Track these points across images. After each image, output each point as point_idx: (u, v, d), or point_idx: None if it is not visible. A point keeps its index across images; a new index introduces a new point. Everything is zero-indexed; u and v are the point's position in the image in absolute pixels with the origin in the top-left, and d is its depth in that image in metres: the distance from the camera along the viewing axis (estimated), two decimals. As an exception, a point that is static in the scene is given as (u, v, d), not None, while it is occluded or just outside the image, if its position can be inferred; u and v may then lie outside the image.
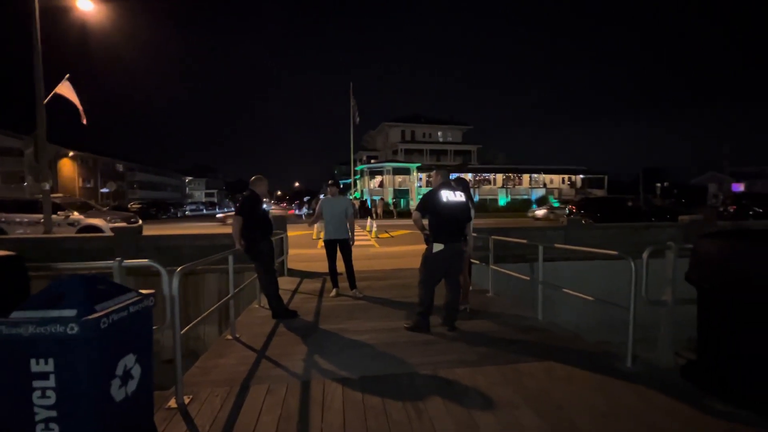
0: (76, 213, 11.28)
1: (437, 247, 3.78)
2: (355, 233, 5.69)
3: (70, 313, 1.73)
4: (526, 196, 40.98)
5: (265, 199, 4.58)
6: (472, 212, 4.33)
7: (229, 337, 3.78)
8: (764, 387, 2.28)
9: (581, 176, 44.63)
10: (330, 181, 5.84)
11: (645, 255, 2.94)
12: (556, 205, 38.41)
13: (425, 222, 3.90)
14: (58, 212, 10.87)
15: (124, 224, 11.10)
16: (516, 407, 2.44)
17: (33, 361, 1.71)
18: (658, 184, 36.22)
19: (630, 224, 9.80)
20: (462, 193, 3.96)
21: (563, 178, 44.65)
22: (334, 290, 5.53)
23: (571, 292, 3.86)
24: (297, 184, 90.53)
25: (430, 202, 3.83)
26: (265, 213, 4.51)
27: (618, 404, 2.45)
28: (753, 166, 40.15)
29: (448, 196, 3.82)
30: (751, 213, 16.10)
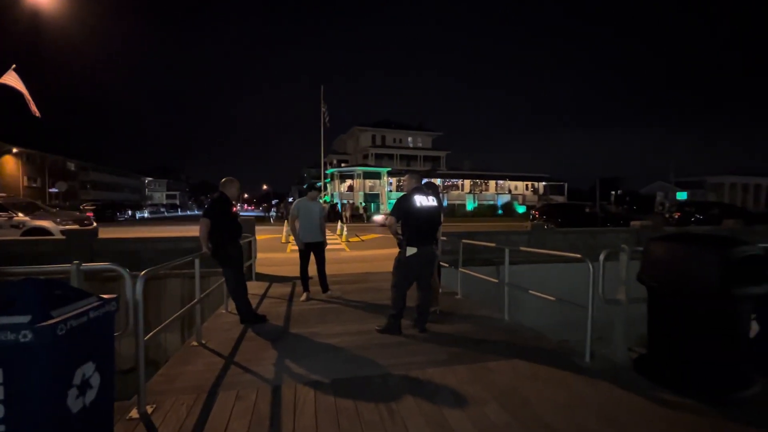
0: (20, 214, 10.42)
1: (410, 250, 3.84)
2: (326, 237, 5.68)
3: (23, 319, 1.62)
4: (492, 202, 42.33)
5: (233, 202, 4.48)
6: (441, 216, 4.43)
7: (195, 343, 3.64)
8: (704, 378, 2.50)
9: (543, 183, 46.75)
10: (317, 184, 5.88)
11: (601, 257, 3.14)
12: (522, 210, 39.72)
13: (398, 226, 3.95)
14: (0, 213, 10.02)
15: (76, 226, 10.39)
16: (485, 403, 2.52)
17: (-21, 372, 1.59)
18: (613, 192, 38.56)
19: (588, 229, 10.38)
20: (434, 198, 4.05)
21: (527, 185, 46.56)
22: (305, 294, 5.46)
23: (535, 293, 4.04)
24: (265, 186, 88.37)
25: (404, 207, 3.88)
26: (235, 216, 4.40)
27: (578, 397, 2.60)
28: (695, 176, 43.71)
29: (421, 200, 3.89)
30: (693, 219, 17.50)
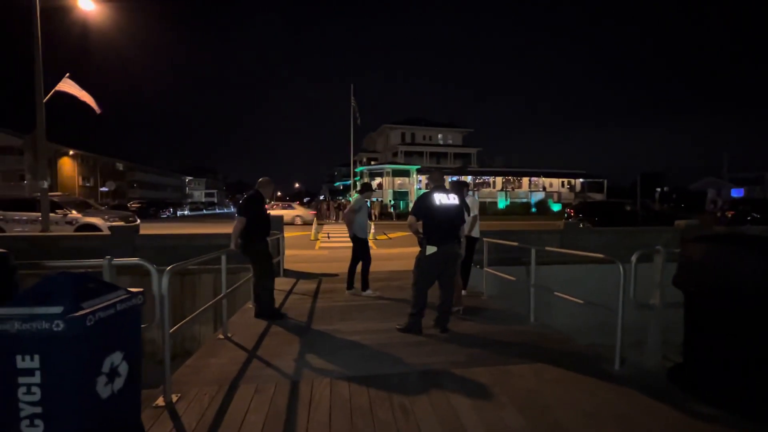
0: (74, 212, 11.30)
1: (431, 249, 3.80)
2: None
3: (57, 310, 1.74)
4: (525, 200, 41.04)
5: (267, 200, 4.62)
6: (467, 215, 4.36)
7: (221, 336, 3.79)
8: (745, 391, 2.29)
9: (581, 180, 44.69)
10: (372, 185, 6.35)
11: (633, 259, 2.96)
12: (557, 208, 38.16)
13: (419, 224, 3.92)
14: (56, 211, 10.89)
15: (122, 223, 11.12)
16: (502, 408, 2.45)
17: (19, 357, 1.73)
18: (658, 189, 36.27)
19: (626, 228, 9.83)
20: (455, 196, 3.98)
21: (563, 182, 44.70)
22: (369, 291, 5.62)
23: (561, 295, 3.88)
24: (297, 185, 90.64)
25: (423, 205, 3.85)
26: (266, 214, 4.54)
27: (603, 405, 2.47)
28: (752, 172, 40.21)
29: (441, 199, 3.84)
30: (749, 219, 16.09)
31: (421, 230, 3.90)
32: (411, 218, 3.89)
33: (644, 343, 3.23)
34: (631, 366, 3.05)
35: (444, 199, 3.85)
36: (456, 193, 4.06)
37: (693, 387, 2.55)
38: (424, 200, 3.86)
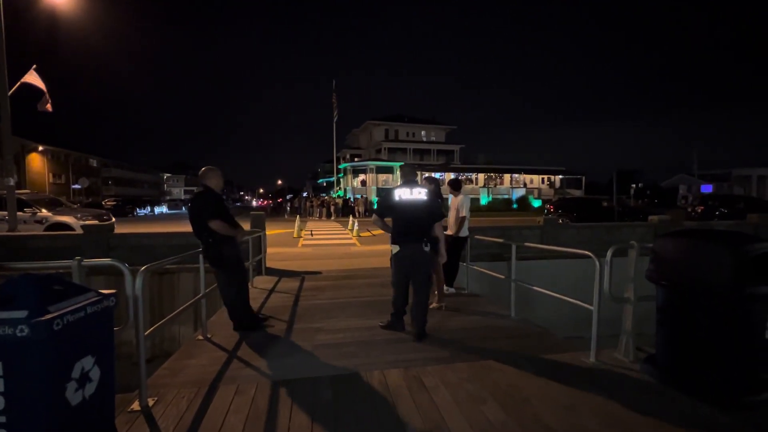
0: (44, 210, 10.82)
1: (395, 248, 3.67)
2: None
3: (21, 314, 1.66)
4: (506, 196, 41.68)
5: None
6: (444, 211, 4.34)
7: (200, 337, 3.71)
8: (715, 380, 2.39)
9: (560, 177, 45.70)
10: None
11: (609, 253, 3.04)
12: (537, 204, 38.94)
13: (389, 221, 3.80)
14: (25, 209, 10.41)
15: (95, 222, 10.72)
16: (483, 402, 2.49)
17: (-20, 365, 1.64)
18: (633, 186, 37.48)
19: (603, 224, 10.11)
20: (423, 191, 3.72)
21: (543, 179, 45.63)
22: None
23: (540, 289, 3.96)
24: (280, 182, 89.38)
25: (385, 202, 3.73)
26: (227, 211, 3.85)
27: (581, 397, 2.53)
28: (720, 169, 42.03)
29: (402, 194, 3.63)
30: (717, 213, 16.82)
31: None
32: (373, 216, 3.84)
33: (619, 336, 3.34)
34: (606, 358, 3.15)
35: (407, 194, 3.63)
36: (432, 188, 4.00)
37: (665, 377, 2.65)
38: (385, 197, 3.76)
